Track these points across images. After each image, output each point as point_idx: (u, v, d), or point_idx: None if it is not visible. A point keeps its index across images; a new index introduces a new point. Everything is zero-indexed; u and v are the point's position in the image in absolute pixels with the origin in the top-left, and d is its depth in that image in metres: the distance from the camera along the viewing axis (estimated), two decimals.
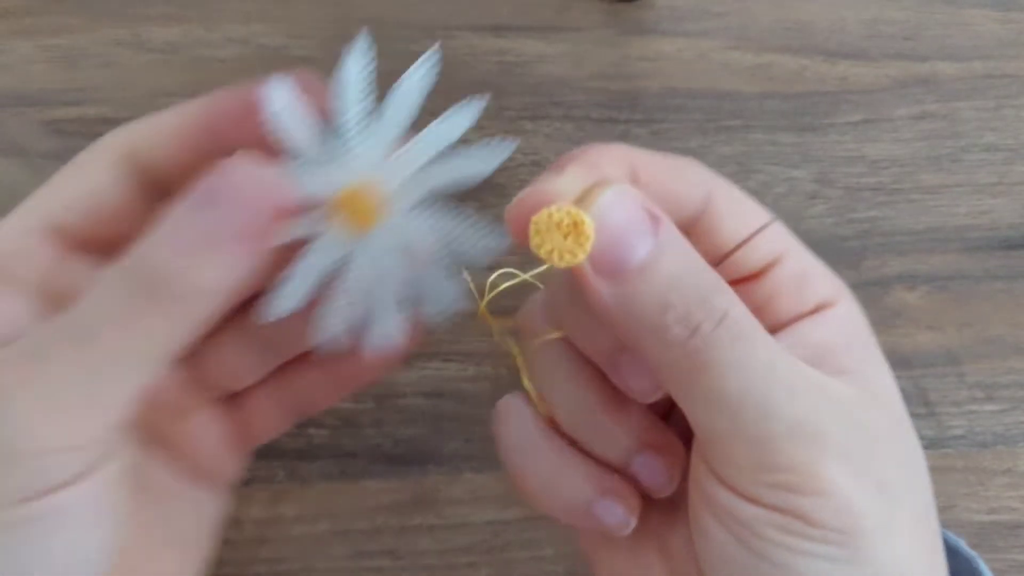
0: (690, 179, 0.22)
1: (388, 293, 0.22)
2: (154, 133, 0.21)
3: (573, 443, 0.22)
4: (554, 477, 0.22)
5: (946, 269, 0.35)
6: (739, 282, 0.22)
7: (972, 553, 0.24)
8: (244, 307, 0.22)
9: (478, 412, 0.33)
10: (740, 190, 0.23)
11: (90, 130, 0.34)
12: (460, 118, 0.21)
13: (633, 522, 0.22)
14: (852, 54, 0.37)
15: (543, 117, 0.35)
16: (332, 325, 0.21)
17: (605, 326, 0.20)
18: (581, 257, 0.18)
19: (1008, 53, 0.37)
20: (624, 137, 0.35)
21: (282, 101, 0.19)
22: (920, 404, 0.34)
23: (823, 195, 0.35)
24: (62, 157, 0.34)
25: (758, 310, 0.21)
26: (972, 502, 0.33)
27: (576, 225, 0.18)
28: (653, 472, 0.22)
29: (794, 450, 0.18)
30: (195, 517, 0.24)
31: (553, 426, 0.23)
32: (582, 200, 0.19)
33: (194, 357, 0.23)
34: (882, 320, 0.34)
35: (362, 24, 0.36)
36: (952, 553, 0.23)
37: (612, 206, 0.18)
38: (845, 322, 0.22)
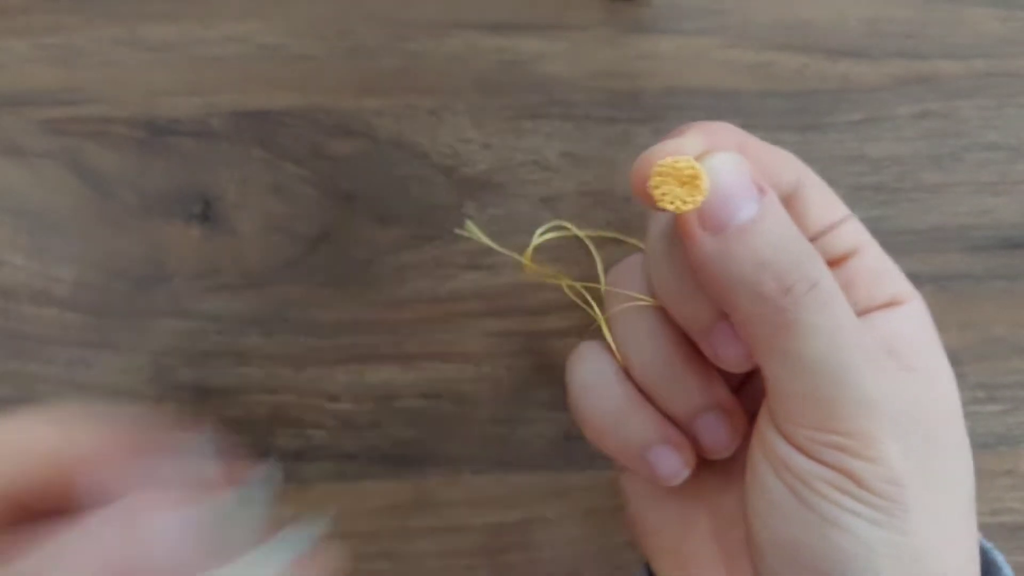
0: (786, 163, 0.24)
1: None
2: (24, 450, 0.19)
3: (642, 392, 0.24)
4: (620, 417, 0.24)
5: (948, 269, 0.35)
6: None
7: (987, 544, 0.25)
8: None
9: (477, 413, 0.33)
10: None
11: (87, 129, 0.34)
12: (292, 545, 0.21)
13: (685, 474, 0.24)
14: (853, 52, 0.37)
15: (543, 116, 0.35)
16: None
17: (703, 292, 0.22)
18: (691, 206, 0.20)
19: (1010, 51, 0.37)
20: (624, 136, 0.35)
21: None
22: None
23: None
24: (59, 156, 0.34)
25: None
26: None
27: (694, 176, 0.20)
28: (717, 431, 0.24)
29: (858, 418, 0.20)
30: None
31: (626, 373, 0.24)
32: (700, 159, 0.21)
33: None
34: None
35: (362, 21, 0.36)
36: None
37: (725, 167, 0.21)
38: (915, 320, 0.24)
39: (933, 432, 0.21)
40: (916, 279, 0.35)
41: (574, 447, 0.33)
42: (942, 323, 0.35)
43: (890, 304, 0.24)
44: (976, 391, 0.34)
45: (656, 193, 0.21)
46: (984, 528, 0.32)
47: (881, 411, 0.20)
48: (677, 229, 0.22)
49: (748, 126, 0.36)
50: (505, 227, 0.34)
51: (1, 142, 0.34)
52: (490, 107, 0.35)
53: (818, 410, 0.20)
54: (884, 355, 0.21)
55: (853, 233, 0.24)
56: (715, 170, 0.21)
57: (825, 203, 0.24)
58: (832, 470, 0.20)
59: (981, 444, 0.33)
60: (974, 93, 0.37)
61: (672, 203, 0.21)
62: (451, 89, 0.35)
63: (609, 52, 0.36)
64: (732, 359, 0.23)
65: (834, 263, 0.23)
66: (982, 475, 0.33)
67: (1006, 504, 0.33)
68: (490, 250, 0.34)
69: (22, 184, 0.33)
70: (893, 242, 0.35)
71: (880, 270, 0.24)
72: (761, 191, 0.21)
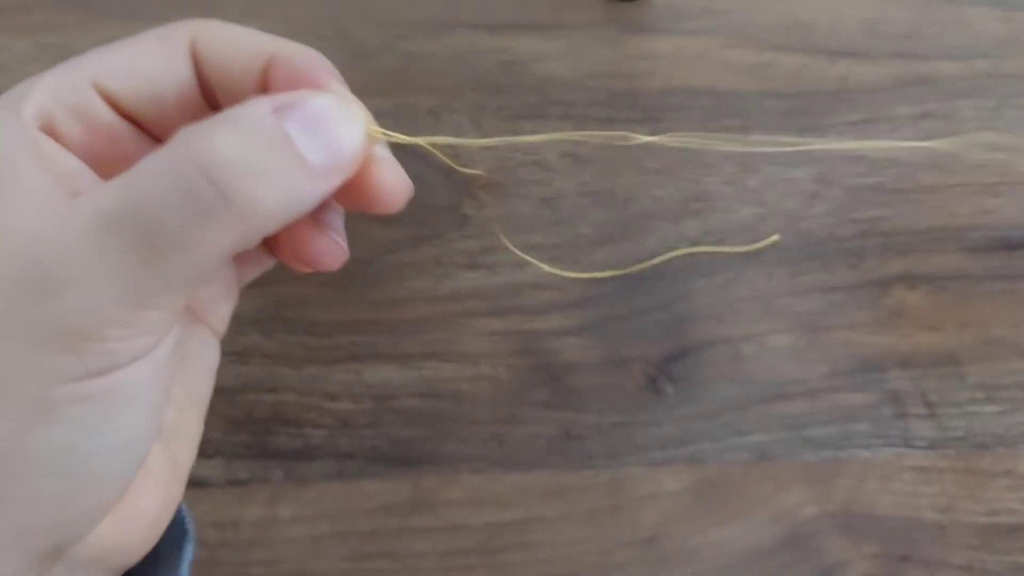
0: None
1: None
2: (230, 41, 0.20)
3: None
4: None
5: (947, 269, 0.35)
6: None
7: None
8: None
9: (476, 413, 0.33)
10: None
11: None
12: None
13: None
14: (852, 53, 0.37)
15: (542, 116, 0.35)
16: None
17: None
18: None
19: (1009, 52, 0.37)
20: (623, 136, 0.35)
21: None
22: (920, 405, 0.34)
23: (823, 195, 0.35)
24: None
25: None
26: (972, 504, 0.33)
27: None
28: None
29: None
30: (204, 369, 0.23)
31: None
32: None
33: None
34: (882, 320, 0.34)
35: (362, 21, 0.36)
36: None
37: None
38: None
39: None
40: (915, 279, 0.35)
41: (572, 447, 0.33)
42: (941, 323, 0.35)
43: None
44: (975, 392, 0.34)
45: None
46: (983, 529, 0.32)
47: None
48: None
49: (748, 126, 0.36)
50: (505, 227, 0.34)
51: None
52: (489, 107, 0.36)
53: None
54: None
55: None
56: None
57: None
58: None
59: (979, 445, 0.33)
60: (973, 94, 0.37)
61: None
62: (450, 89, 0.36)
63: (608, 52, 0.36)
64: None
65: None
66: (981, 475, 0.33)
67: (1004, 504, 0.33)
68: (490, 250, 0.34)
69: None
70: (892, 242, 0.35)
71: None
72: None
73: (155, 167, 0.17)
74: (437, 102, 0.35)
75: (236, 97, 0.19)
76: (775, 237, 0.34)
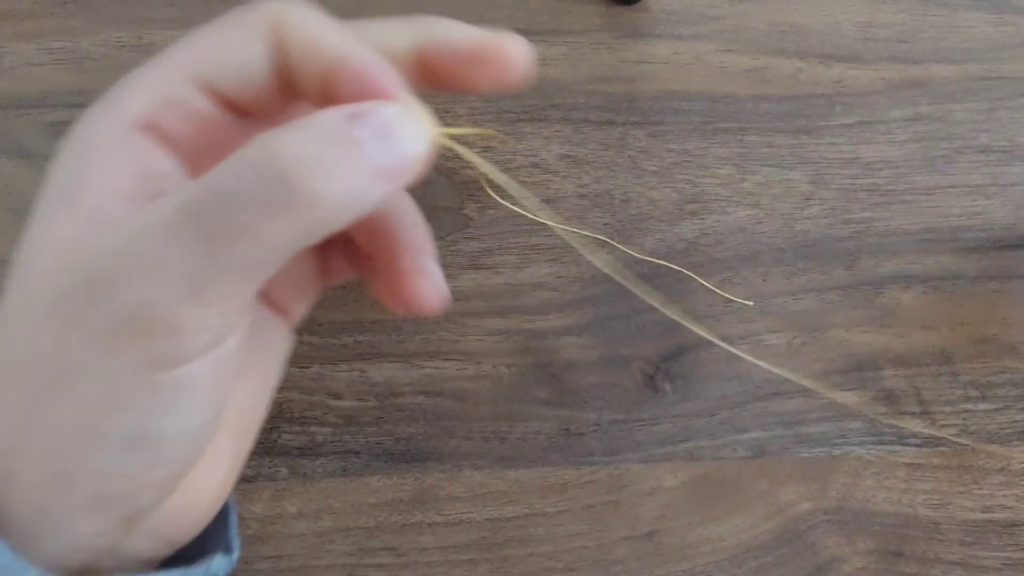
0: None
1: None
2: (308, 33, 0.20)
3: None
4: None
5: (940, 269, 0.35)
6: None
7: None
8: None
9: (478, 411, 0.33)
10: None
11: None
12: None
13: None
14: (847, 57, 0.37)
15: (542, 119, 0.36)
16: None
17: None
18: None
19: (1002, 55, 0.38)
20: (622, 138, 0.36)
21: None
22: (914, 403, 0.34)
23: (818, 196, 0.36)
24: None
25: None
26: (966, 500, 0.33)
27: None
28: None
29: None
30: (276, 359, 0.24)
31: None
32: None
33: None
34: (876, 320, 0.34)
35: None
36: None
37: None
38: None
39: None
40: (909, 279, 0.35)
41: (572, 443, 0.33)
42: (935, 323, 0.35)
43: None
44: (968, 390, 0.34)
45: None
46: (977, 525, 0.33)
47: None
48: None
49: (744, 129, 0.36)
50: (505, 228, 0.34)
51: (8, 144, 0.34)
52: (490, 110, 0.36)
53: None
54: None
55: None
56: None
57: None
58: None
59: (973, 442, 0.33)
60: (966, 96, 0.37)
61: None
62: (451, 93, 0.36)
63: (607, 56, 0.36)
64: None
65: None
66: (975, 472, 0.33)
67: (998, 501, 0.33)
68: (490, 250, 0.34)
69: (29, 185, 0.33)
70: (886, 243, 0.36)
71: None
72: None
73: (227, 165, 0.17)
74: (437, 105, 0.35)
75: (313, 83, 0.20)
76: (750, 303, 0.34)
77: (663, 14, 0.37)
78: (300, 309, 0.25)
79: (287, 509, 0.32)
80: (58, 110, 0.35)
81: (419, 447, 0.32)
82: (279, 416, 0.32)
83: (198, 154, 0.20)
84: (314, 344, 0.33)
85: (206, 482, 0.21)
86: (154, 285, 0.17)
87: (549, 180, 0.35)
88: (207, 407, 0.19)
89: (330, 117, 0.18)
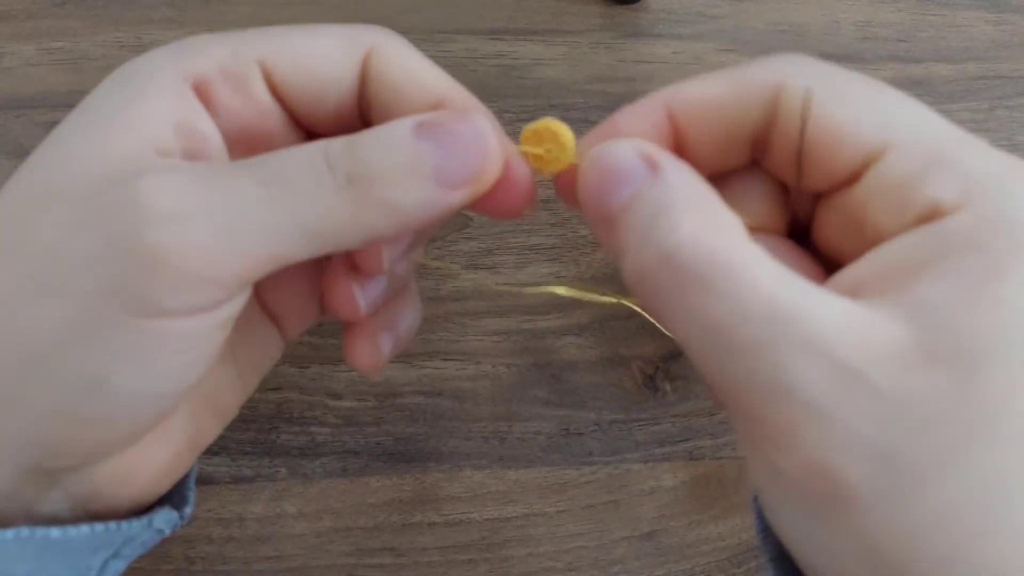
0: (745, 86, 0.20)
1: None
2: (405, 69, 0.21)
3: None
4: None
5: None
6: (836, 189, 0.19)
7: None
8: None
9: (477, 411, 0.33)
10: (851, 74, 0.19)
11: None
12: None
13: None
14: (846, 56, 0.37)
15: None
16: None
17: None
18: (558, 165, 0.21)
19: (1001, 55, 0.38)
20: None
21: None
22: None
23: None
24: None
25: (853, 223, 0.18)
26: None
27: (556, 134, 0.21)
28: None
29: (764, 407, 0.16)
30: (260, 356, 0.24)
31: None
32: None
33: None
34: None
35: None
36: None
37: (601, 152, 0.19)
38: (950, 238, 0.16)
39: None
40: None
41: (572, 443, 0.33)
42: None
43: (928, 217, 0.17)
44: None
45: (524, 148, 0.21)
46: None
47: (788, 392, 0.16)
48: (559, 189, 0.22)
49: None
50: (505, 228, 0.34)
51: (7, 144, 0.34)
52: (489, 111, 0.36)
53: (727, 402, 0.18)
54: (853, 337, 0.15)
55: (875, 129, 0.18)
56: (590, 159, 0.19)
57: (836, 107, 0.18)
58: (763, 462, 0.17)
59: None
60: (966, 96, 0.37)
61: (537, 161, 0.21)
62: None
63: (606, 56, 0.36)
64: None
65: (851, 180, 0.18)
66: None
67: None
68: (490, 251, 0.34)
69: None
70: None
71: (917, 172, 0.17)
72: (652, 167, 0.18)
73: (296, 150, 0.18)
74: None
75: (390, 116, 0.20)
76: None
77: (663, 14, 0.37)
78: (293, 327, 0.25)
79: (287, 509, 0.32)
80: (57, 110, 0.35)
81: (419, 447, 0.32)
82: (278, 416, 0.32)
83: (239, 133, 0.20)
84: (314, 344, 0.33)
85: (148, 461, 0.20)
86: (199, 220, 0.17)
87: (549, 180, 0.35)
88: (178, 374, 0.18)
89: (400, 124, 0.19)
